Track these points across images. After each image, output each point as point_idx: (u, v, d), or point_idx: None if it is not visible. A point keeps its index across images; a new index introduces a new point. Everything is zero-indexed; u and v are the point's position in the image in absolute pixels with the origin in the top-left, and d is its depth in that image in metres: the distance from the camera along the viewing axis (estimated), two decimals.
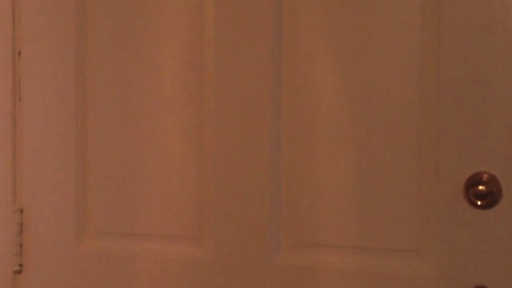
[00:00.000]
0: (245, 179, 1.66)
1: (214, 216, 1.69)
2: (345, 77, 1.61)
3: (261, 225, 1.66)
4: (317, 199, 1.63)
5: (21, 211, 1.84)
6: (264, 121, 1.65)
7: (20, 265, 1.85)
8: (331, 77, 1.62)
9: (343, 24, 1.60)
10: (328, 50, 1.61)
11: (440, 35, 1.54)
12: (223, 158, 1.68)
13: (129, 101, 1.77)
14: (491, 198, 1.50)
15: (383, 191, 1.58)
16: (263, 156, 1.65)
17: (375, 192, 1.59)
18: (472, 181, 1.51)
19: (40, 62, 1.83)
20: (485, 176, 1.50)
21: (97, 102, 1.80)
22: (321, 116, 1.62)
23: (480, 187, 1.51)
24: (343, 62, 1.61)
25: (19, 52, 1.83)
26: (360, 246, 1.60)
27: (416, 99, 1.57)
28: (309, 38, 1.62)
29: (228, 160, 1.68)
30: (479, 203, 1.51)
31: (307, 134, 1.63)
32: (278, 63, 1.65)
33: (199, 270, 1.71)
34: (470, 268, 1.52)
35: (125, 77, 1.77)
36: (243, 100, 1.67)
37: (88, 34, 1.80)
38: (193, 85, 1.71)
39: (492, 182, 1.50)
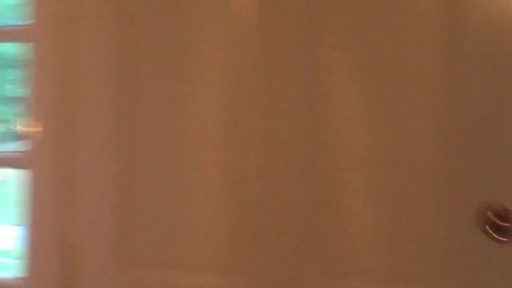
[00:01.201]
0: (276, 209, 1.66)
1: (246, 248, 1.69)
2: (371, 119, 1.63)
3: (290, 258, 1.65)
4: (345, 231, 1.63)
5: (72, 247, 1.83)
6: (295, 156, 1.66)
7: None
8: (359, 117, 1.64)
9: (371, 51, 1.62)
10: (357, 78, 1.64)
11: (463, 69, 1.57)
12: (255, 189, 1.69)
13: (169, 144, 1.77)
14: (508, 232, 1.51)
15: (407, 223, 1.59)
16: (295, 190, 1.66)
17: (400, 224, 1.60)
18: (497, 214, 1.52)
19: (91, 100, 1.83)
20: (502, 209, 1.52)
21: (138, 141, 1.79)
22: (350, 148, 1.63)
23: (498, 221, 1.52)
24: (372, 88, 1.63)
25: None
26: (387, 276, 1.60)
27: (435, 126, 1.58)
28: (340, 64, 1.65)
29: (260, 191, 1.68)
30: (496, 235, 1.52)
31: (337, 167, 1.64)
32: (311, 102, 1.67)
33: None
34: None
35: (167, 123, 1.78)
36: (275, 135, 1.68)
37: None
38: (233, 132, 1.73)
39: (509, 216, 1.52)
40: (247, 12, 1.70)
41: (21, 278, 1.89)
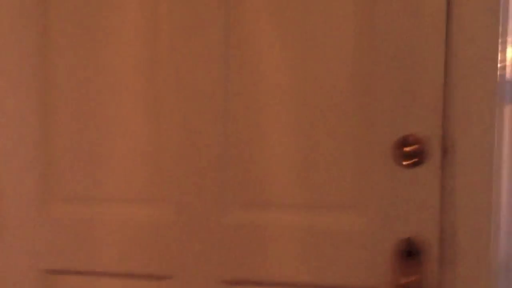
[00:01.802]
0: (198, 146, 1.69)
1: (169, 179, 1.72)
2: (288, 55, 1.64)
3: (214, 187, 1.69)
4: (264, 162, 1.66)
5: None
6: (215, 93, 1.68)
7: None
8: (276, 51, 1.65)
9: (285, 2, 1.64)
10: (272, 25, 1.66)
11: (373, 9, 1.60)
12: (178, 126, 1.70)
13: (90, 74, 1.76)
14: (417, 158, 1.58)
15: (323, 153, 1.63)
16: (214, 125, 1.68)
17: (315, 154, 1.63)
18: (401, 142, 1.58)
19: (5, 37, 1.81)
20: (413, 137, 1.58)
21: (60, 75, 1.79)
22: (267, 84, 1.66)
23: (408, 148, 1.58)
24: (287, 35, 1.64)
25: None
26: (303, 204, 1.65)
27: (353, 68, 1.61)
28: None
29: (183, 127, 1.70)
30: (406, 162, 1.58)
31: (253, 102, 1.66)
32: (227, 40, 1.68)
33: (157, 231, 1.73)
34: (400, 222, 1.59)
35: (86, 54, 1.78)
36: (195, 71, 1.68)
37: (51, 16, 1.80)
38: (147, 61, 1.73)
39: (419, 143, 1.57)
40: None
41: None
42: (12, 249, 1.85)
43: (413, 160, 1.59)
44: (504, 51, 1.57)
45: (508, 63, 1.59)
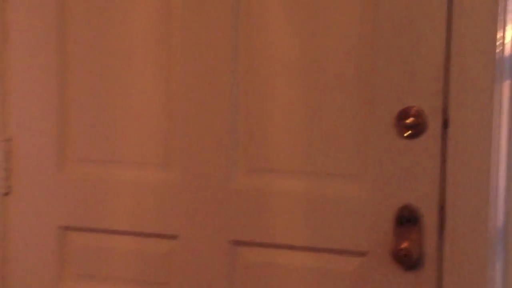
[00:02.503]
0: (207, 113, 1.73)
1: (179, 145, 1.75)
2: (294, 32, 1.67)
3: (221, 153, 1.72)
4: (269, 131, 1.70)
5: (9, 140, 1.90)
6: (225, 64, 1.71)
7: (9, 187, 1.91)
8: (283, 29, 1.68)
9: None
10: (279, 4, 1.68)
11: None
12: (188, 95, 1.74)
13: (106, 44, 1.81)
14: (417, 129, 1.59)
15: (327, 123, 1.65)
16: (223, 94, 1.72)
17: (320, 124, 1.66)
18: (402, 114, 1.60)
19: (26, 7, 1.87)
20: (413, 110, 1.59)
21: (78, 45, 1.84)
22: (274, 59, 1.69)
23: (408, 120, 1.60)
24: (293, 17, 1.67)
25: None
26: (306, 171, 1.68)
27: (355, 42, 1.63)
28: None
29: (192, 96, 1.74)
30: (407, 133, 1.60)
31: (261, 74, 1.70)
32: (237, 18, 1.71)
33: (166, 192, 1.78)
34: (399, 190, 1.61)
35: (104, 24, 1.82)
36: (206, 49, 1.72)
37: None
38: (160, 33, 1.77)
39: (419, 115, 1.59)
40: None
41: None
42: (30, 207, 1.91)
43: (413, 131, 1.61)
44: (503, 29, 1.57)
45: (507, 40, 1.59)
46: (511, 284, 1.66)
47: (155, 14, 1.77)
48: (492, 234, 1.60)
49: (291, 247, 1.71)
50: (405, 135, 1.61)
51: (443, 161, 1.60)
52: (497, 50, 1.56)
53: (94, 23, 1.83)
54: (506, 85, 1.60)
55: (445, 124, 1.60)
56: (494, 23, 1.55)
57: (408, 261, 1.61)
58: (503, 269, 1.66)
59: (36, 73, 1.87)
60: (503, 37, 1.57)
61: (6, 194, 1.91)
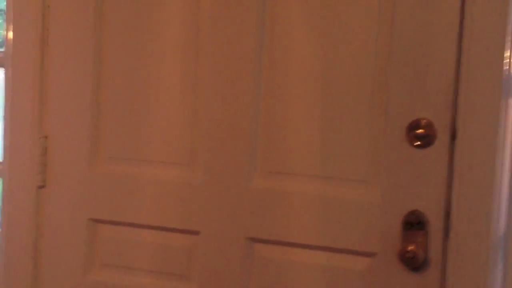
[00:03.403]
0: (230, 118, 1.76)
1: (203, 147, 1.78)
2: (315, 43, 1.69)
3: (241, 156, 1.75)
4: (287, 136, 1.72)
5: (46, 137, 1.94)
6: (248, 73, 1.74)
7: (44, 181, 1.94)
8: (305, 41, 1.71)
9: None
10: (301, 18, 1.71)
11: (395, 4, 1.64)
12: (213, 101, 1.77)
13: (139, 50, 1.84)
14: (427, 140, 1.62)
15: (342, 131, 1.68)
16: (246, 99, 1.75)
17: (335, 132, 1.68)
18: (413, 125, 1.62)
19: (65, 15, 1.90)
20: (424, 121, 1.62)
21: (112, 47, 1.87)
22: (295, 70, 1.71)
23: (419, 131, 1.62)
24: (314, 30, 1.70)
25: (48, 6, 1.93)
26: (321, 175, 1.70)
27: (372, 56, 1.66)
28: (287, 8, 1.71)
29: (217, 102, 1.77)
30: (417, 143, 1.63)
31: (282, 83, 1.72)
32: (262, 29, 1.73)
33: (190, 190, 1.80)
34: (408, 196, 1.63)
35: (137, 31, 1.85)
36: (232, 57, 1.75)
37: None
38: (189, 40, 1.80)
39: (429, 127, 1.61)
40: None
41: None
42: (63, 200, 1.94)
43: (423, 142, 1.63)
44: (510, 48, 1.59)
45: None
46: (510, 287, 1.68)
47: (185, 22, 1.80)
48: (494, 239, 1.62)
49: (304, 246, 1.73)
50: (415, 144, 1.63)
51: (450, 170, 1.62)
52: (504, 68, 1.58)
53: (127, 29, 1.85)
54: (511, 101, 1.62)
55: (453, 136, 1.62)
56: (502, 43, 1.57)
57: (414, 263, 1.63)
58: (504, 273, 1.67)
59: (72, 76, 1.90)
60: (510, 57, 1.59)
61: (42, 187, 1.95)
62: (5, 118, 1.95)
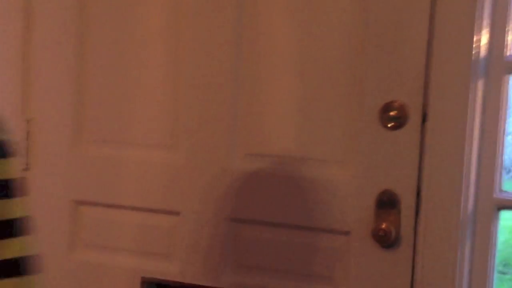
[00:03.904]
0: (210, 102, 1.77)
1: (185, 129, 1.80)
2: (292, 29, 1.71)
3: (221, 138, 1.77)
4: (266, 120, 1.74)
5: (29, 121, 1.95)
6: (228, 59, 1.75)
7: (27, 164, 1.95)
8: (283, 29, 1.73)
9: None
10: (279, 5, 1.73)
11: None
12: (194, 85, 1.79)
13: (122, 36, 1.86)
14: (399, 122, 1.64)
15: (318, 114, 1.70)
16: (225, 84, 1.76)
17: (312, 115, 1.70)
18: (386, 108, 1.65)
19: (49, 1, 1.91)
20: (396, 104, 1.64)
21: (95, 32, 1.88)
22: (274, 56, 1.73)
23: (392, 113, 1.65)
24: (291, 16, 1.72)
25: None
26: (297, 157, 1.72)
27: (347, 42, 1.68)
28: None
29: (197, 86, 1.79)
30: (390, 125, 1.66)
31: (260, 69, 1.74)
32: (241, 15, 1.75)
33: (171, 172, 1.82)
34: (381, 176, 1.66)
35: (120, 16, 1.86)
36: (211, 43, 1.76)
37: None
38: (169, 28, 1.82)
39: (401, 109, 1.64)
40: None
41: None
42: (47, 182, 1.96)
43: (395, 124, 1.66)
44: (479, 33, 1.63)
45: (482, 43, 1.64)
46: (478, 263, 1.70)
47: (166, 9, 1.82)
48: (462, 218, 1.65)
49: (282, 225, 1.76)
50: (388, 126, 1.66)
51: (421, 151, 1.65)
52: (473, 52, 1.61)
53: (111, 15, 1.87)
54: (480, 84, 1.65)
55: (425, 118, 1.64)
56: (471, 28, 1.60)
57: (386, 241, 1.66)
58: (471, 250, 1.71)
59: (55, 61, 1.91)
60: (479, 41, 1.62)
61: (26, 169, 1.95)
62: None
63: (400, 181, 1.65)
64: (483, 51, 1.63)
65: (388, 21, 1.64)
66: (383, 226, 1.65)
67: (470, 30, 1.60)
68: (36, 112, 1.94)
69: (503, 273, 5.00)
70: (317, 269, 1.72)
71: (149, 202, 1.85)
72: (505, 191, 1.69)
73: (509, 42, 1.63)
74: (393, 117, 1.65)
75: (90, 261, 1.92)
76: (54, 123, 1.92)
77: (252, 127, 1.76)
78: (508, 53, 1.64)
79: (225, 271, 1.81)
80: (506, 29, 1.62)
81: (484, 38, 1.63)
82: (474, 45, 1.60)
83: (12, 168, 0.96)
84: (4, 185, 0.95)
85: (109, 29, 1.87)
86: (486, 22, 1.63)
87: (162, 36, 1.82)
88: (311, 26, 1.70)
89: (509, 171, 6.88)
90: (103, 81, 1.87)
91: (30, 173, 1.96)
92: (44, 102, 1.93)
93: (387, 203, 1.66)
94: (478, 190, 1.68)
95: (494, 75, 1.64)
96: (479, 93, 1.65)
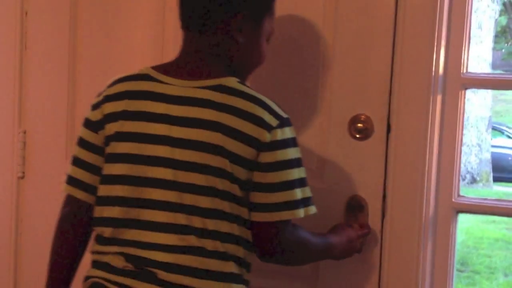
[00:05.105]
0: None
1: None
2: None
3: None
4: None
5: (25, 132, 1.99)
6: None
7: (23, 172, 2.00)
8: None
9: None
10: None
11: (337, 11, 1.71)
12: None
13: (111, 49, 1.91)
14: (365, 133, 1.71)
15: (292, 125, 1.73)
16: None
17: None
18: (354, 120, 1.71)
19: (42, 20, 1.95)
20: (363, 116, 1.71)
21: (87, 47, 1.92)
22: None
23: (359, 125, 1.71)
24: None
25: (26, 13, 1.98)
26: None
27: (317, 59, 1.73)
28: None
29: None
30: (357, 136, 1.72)
31: None
32: None
33: None
34: (350, 183, 1.71)
35: (109, 31, 1.91)
36: None
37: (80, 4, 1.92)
38: (157, 41, 1.86)
39: (367, 121, 1.70)
40: None
41: None
42: (41, 189, 2.01)
43: (362, 135, 1.72)
44: (437, 52, 1.70)
45: (440, 61, 1.70)
46: (439, 261, 1.76)
47: (152, 22, 1.86)
48: (424, 220, 1.70)
49: None
50: (356, 137, 1.73)
51: (386, 159, 1.72)
52: (433, 69, 1.68)
53: (100, 31, 1.91)
54: (438, 98, 1.71)
55: (389, 129, 1.71)
56: (431, 46, 1.67)
57: None
58: (433, 249, 1.76)
59: (49, 76, 1.96)
60: (438, 59, 1.69)
61: (22, 178, 1.99)
62: None
63: (367, 187, 1.70)
64: (441, 68, 1.70)
65: (355, 40, 1.70)
66: None
67: (430, 49, 1.67)
68: (31, 124, 1.98)
69: (461, 271, 5.19)
70: (294, 269, 1.73)
71: None
72: (463, 196, 1.75)
73: (464, 60, 1.70)
74: (360, 128, 1.71)
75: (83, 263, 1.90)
76: (48, 135, 1.96)
77: None
78: (464, 70, 1.71)
79: None
80: (462, 47, 1.69)
81: (442, 56, 1.70)
82: (433, 63, 1.67)
83: None
84: None
85: (99, 45, 1.90)
86: (443, 41, 1.69)
87: (149, 52, 1.85)
88: (288, 45, 1.75)
89: (464, 178, 7.03)
90: (94, 94, 1.82)
91: (25, 180, 2.00)
92: (39, 115, 1.97)
93: (356, 207, 1.72)
94: (438, 195, 1.72)
95: (451, 90, 1.70)
96: (438, 107, 1.71)
